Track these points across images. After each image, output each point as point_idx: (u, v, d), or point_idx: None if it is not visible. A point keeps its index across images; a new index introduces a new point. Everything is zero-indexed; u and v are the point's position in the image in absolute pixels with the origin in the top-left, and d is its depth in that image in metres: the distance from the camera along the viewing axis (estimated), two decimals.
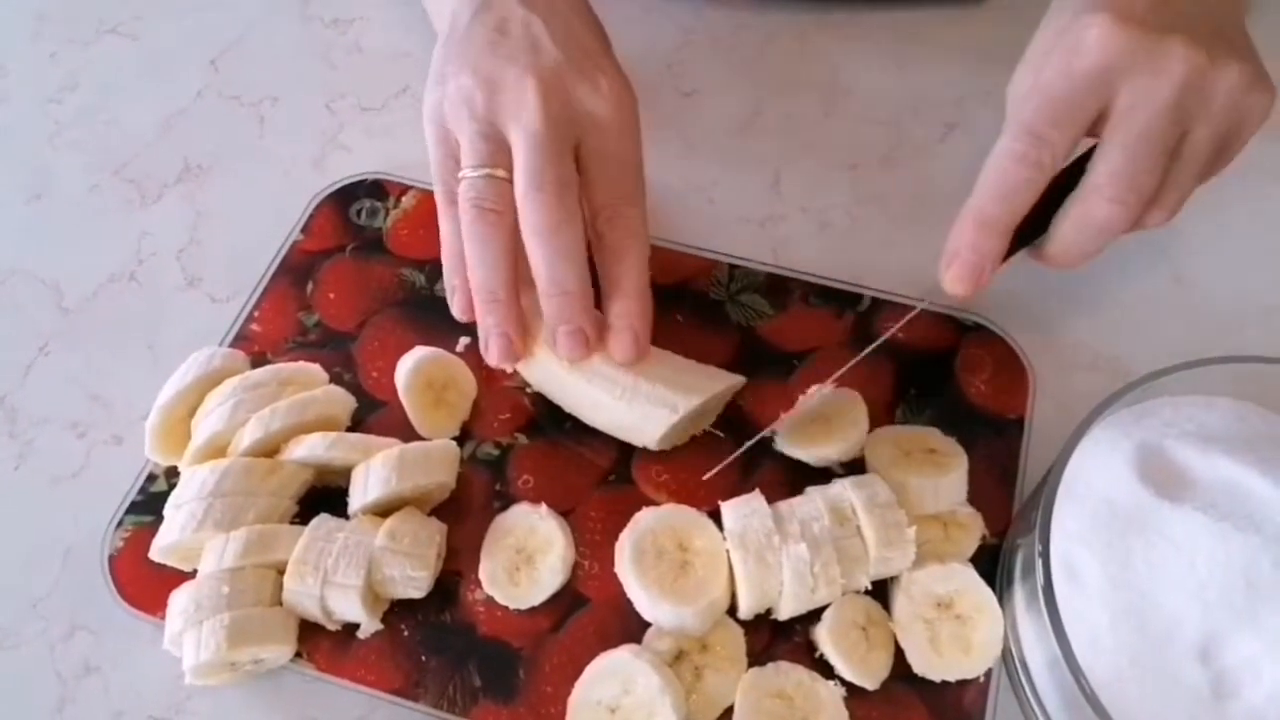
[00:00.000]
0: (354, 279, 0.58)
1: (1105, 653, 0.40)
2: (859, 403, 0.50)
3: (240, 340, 0.56)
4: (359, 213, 0.61)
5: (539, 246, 0.44)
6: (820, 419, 0.50)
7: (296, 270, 0.59)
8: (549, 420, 0.52)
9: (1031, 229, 0.45)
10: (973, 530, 0.48)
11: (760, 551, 0.44)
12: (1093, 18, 0.42)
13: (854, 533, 0.45)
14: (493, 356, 0.47)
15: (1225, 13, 0.45)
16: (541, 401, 0.53)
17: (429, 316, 0.56)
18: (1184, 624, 0.39)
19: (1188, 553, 0.40)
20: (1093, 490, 0.43)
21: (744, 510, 0.46)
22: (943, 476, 0.47)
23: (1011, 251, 0.45)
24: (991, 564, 0.48)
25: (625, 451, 0.52)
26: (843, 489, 0.46)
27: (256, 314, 0.57)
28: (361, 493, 0.47)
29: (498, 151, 0.45)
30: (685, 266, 0.58)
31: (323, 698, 0.47)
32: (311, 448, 0.48)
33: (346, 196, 0.61)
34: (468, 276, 0.46)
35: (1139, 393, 0.44)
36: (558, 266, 0.44)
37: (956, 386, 0.53)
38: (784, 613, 0.45)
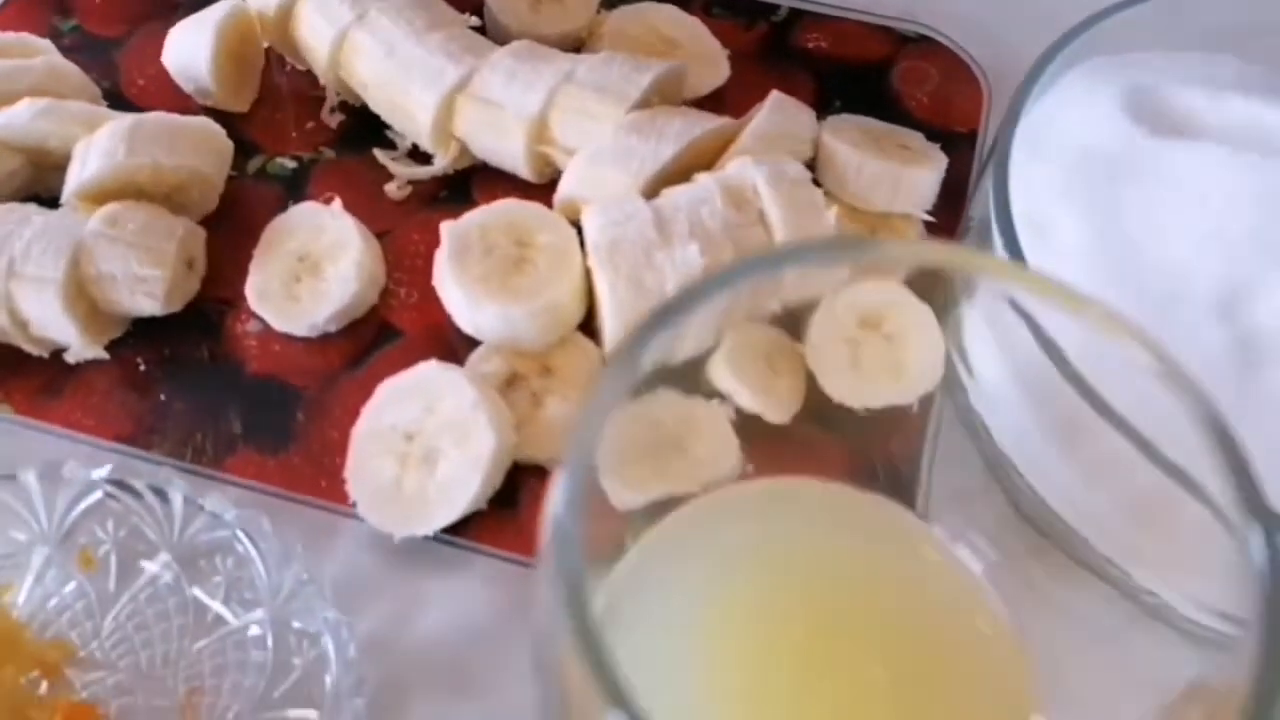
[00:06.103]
0: None
1: None
2: None
3: None
4: None
5: None
6: None
7: None
8: (371, 137, 0.40)
9: None
10: (908, 237, 0.37)
11: (636, 272, 0.33)
12: None
13: (755, 219, 0.34)
14: None
15: None
16: (361, 114, 0.40)
17: None
18: (1196, 277, 0.28)
19: (1197, 192, 0.29)
20: (1067, 143, 0.32)
21: (614, 215, 0.34)
22: (912, 166, 0.36)
23: None
24: None
25: (467, 170, 0.40)
26: (742, 166, 0.35)
27: None
28: (78, 172, 0.34)
29: None
30: None
31: (22, 448, 0.34)
32: (11, 116, 0.35)
33: None
34: None
35: (1116, 22, 0.33)
36: None
37: (894, 99, 0.43)
38: None
